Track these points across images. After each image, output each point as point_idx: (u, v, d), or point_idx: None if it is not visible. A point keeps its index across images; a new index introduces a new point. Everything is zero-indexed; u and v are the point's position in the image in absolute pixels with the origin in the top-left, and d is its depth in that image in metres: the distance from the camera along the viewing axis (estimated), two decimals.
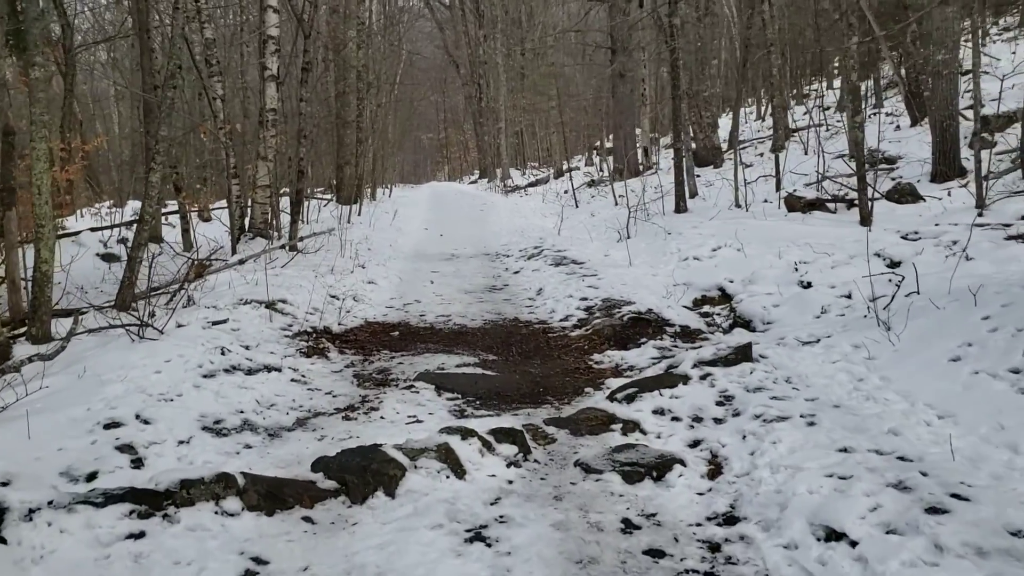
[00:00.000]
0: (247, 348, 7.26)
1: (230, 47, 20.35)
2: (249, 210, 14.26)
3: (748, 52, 24.48)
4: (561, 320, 9.07)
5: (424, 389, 6.47)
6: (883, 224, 10.37)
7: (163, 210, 19.17)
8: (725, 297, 9.57)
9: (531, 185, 30.91)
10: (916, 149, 14.37)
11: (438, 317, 9.48)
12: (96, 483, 4.43)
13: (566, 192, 23.70)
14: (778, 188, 14.73)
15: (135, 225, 9.44)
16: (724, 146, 23.29)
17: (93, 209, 19.78)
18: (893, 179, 13.22)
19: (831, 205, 13.14)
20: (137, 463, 4.80)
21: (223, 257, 12.63)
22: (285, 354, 7.40)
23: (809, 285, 8.94)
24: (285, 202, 15.51)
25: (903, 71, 18.06)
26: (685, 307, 9.28)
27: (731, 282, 9.69)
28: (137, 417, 5.29)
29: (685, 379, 5.93)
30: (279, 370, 6.88)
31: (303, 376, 6.90)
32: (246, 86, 18.49)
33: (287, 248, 12.58)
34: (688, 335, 8.06)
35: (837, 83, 27.04)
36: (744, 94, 29.97)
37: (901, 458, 4.31)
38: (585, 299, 9.53)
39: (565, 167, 33.50)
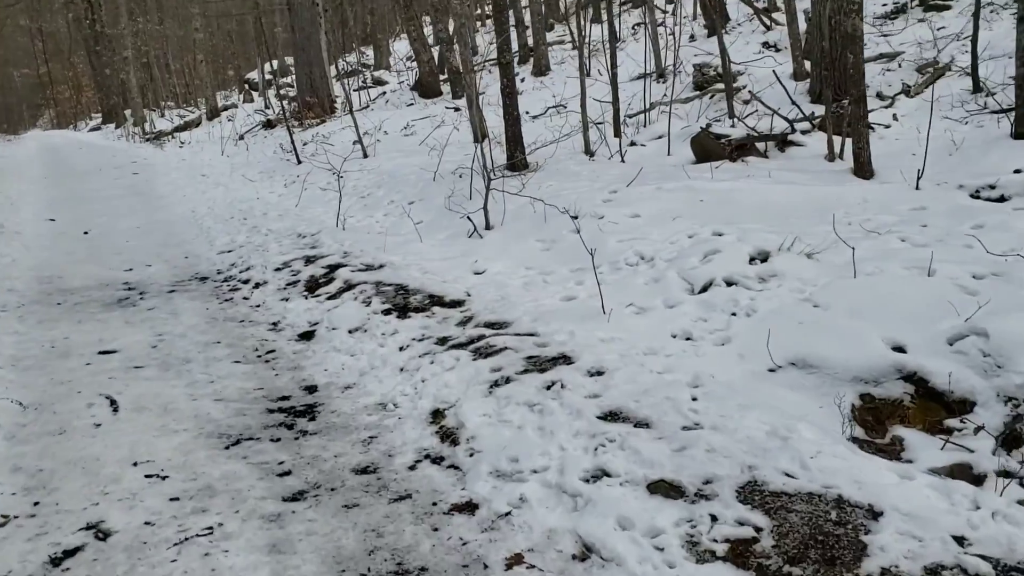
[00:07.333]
0: None
1: None
2: None
3: None
4: None
5: None
6: (885, 175, 7.05)
7: None
8: (932, 398, 3.95)
9: (179, 130, 24.28)
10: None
11: None
12: None
13: (242, 138, 17.03)
14: (617, 128, 10.13)
15: None
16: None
17: None
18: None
19: (759, 146, 9.15)
20: None
21: None
22: None
23: None
24: None
25: None
26: (859, 441, 3.57)
27: (903, 352, 4.18)
28: None
29: None
30: None
31: None
32: None
33: None
34: None
35: None
36: None
37: None
38: (670, 484, 3.17)
39: (220, 105, 26.02)
